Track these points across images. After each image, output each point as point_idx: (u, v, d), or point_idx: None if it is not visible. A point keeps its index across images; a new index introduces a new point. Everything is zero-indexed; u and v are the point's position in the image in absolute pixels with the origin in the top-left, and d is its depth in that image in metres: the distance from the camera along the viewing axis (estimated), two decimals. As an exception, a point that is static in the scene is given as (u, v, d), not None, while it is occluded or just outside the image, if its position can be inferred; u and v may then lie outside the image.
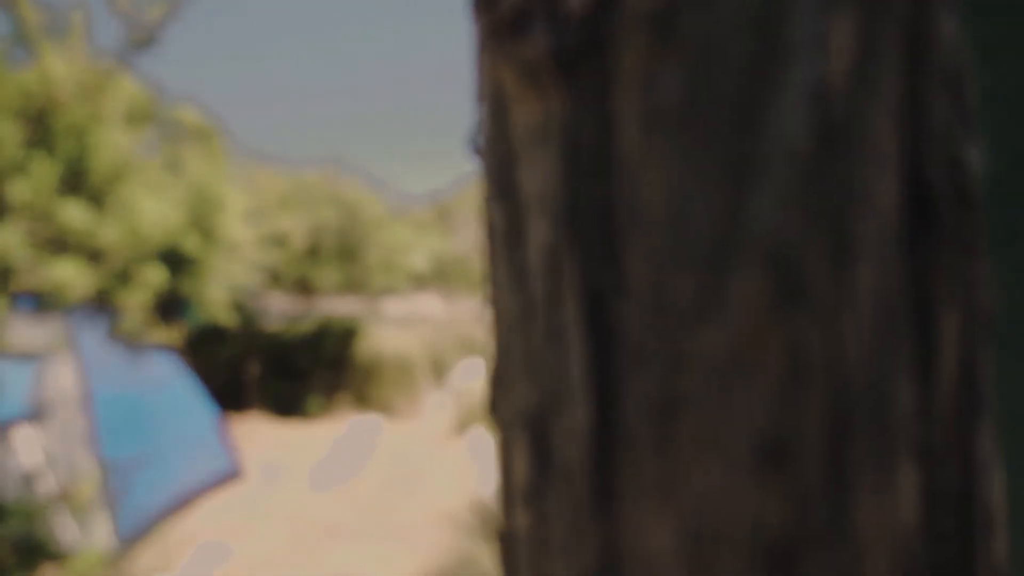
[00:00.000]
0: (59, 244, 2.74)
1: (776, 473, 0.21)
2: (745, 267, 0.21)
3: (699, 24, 0.21)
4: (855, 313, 0.21)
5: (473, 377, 12.56)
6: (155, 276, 3.82)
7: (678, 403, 0.22)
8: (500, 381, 0.28)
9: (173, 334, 3.22)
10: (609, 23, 0.23)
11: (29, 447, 5.21)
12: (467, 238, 13.24)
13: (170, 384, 6.66)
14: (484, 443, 8.93)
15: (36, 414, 5.34)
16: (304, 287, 9.31)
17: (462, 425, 9.84)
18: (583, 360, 0.23)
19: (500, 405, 0.28)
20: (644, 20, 0.22)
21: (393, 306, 11.99)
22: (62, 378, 5.55)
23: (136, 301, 3.40)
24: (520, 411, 0.26)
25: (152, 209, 3.55)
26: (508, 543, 0.27)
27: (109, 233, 2.93)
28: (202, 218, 5.69)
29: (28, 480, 4.92)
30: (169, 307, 6.21)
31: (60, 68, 2.69)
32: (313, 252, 8.98)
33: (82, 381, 5.53)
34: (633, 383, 0.23)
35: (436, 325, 13.15)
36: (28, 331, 4.82)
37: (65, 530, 4.91)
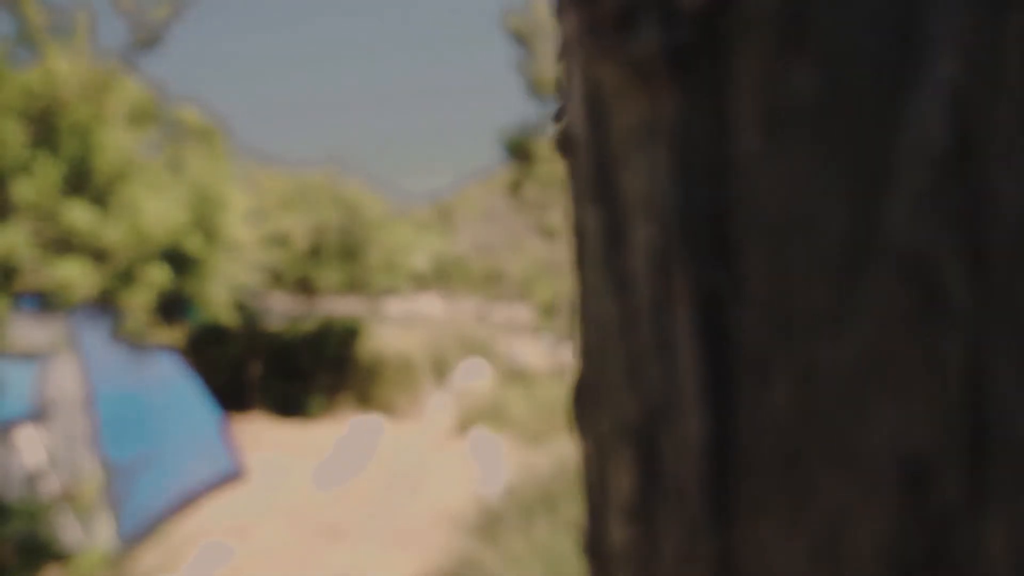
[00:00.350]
0: (63, 244, 2.72)
1: (915, 493, 0.20)
2: (880, 275, 0.20)
3: (832, 20, 0.20)
4: (993, 323, 0.20)
5: (474, 377, 12.56)
6: (158, 276, 3.81)
7: (807, 417, 0.21)
8: (591, 392, 0.27)
9: (175, 334, 3.22)
10: (727, 20, 0.22)
11: (32, 447, 5.20)
12: (467, 238, 13.23)
13: (172, 384, 6.65)
14: (485, 443, 8.93)
15: (38, 414, 5.33)
16: (306, 287, 9.30)
17: (463, 425, 9.82)
18: (697, 370, 0.22)
19: (591, 417, 0.27)
20: (771, 16, 0.21)
21: (394, 306, 11.99)
22: (64, 378, 5.55)
23: (139, 301, 3.39)
24: (621, 424, 0.25)
25: (155, 209, 3.54)
26: (601, 561, 0.26)
27: (113, 233, 2.92)
28: (204, 218, 5.68)
29: (31, 480, 4.91)
30: (171, 307, 6.20)
31: (64, 68, 2.68)
32: (315, 252, 8.97)
33: (84, 381, 5.53)
34: (753, 394, 0.22)
35: (437, 325, 13.15)
36: (30, 331, 4.81)
37: (68, 530, 4.90)
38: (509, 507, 4.97)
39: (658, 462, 0.24)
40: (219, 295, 6.96)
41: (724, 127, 0.22)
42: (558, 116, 0.30)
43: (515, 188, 6.28)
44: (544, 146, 6.40)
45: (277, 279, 8.85)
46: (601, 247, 0.26)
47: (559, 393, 10.07)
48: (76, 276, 2.56)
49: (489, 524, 5.06)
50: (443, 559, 5.57)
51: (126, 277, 3.32)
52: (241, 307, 8.61)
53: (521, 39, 5.79)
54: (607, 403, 0.26)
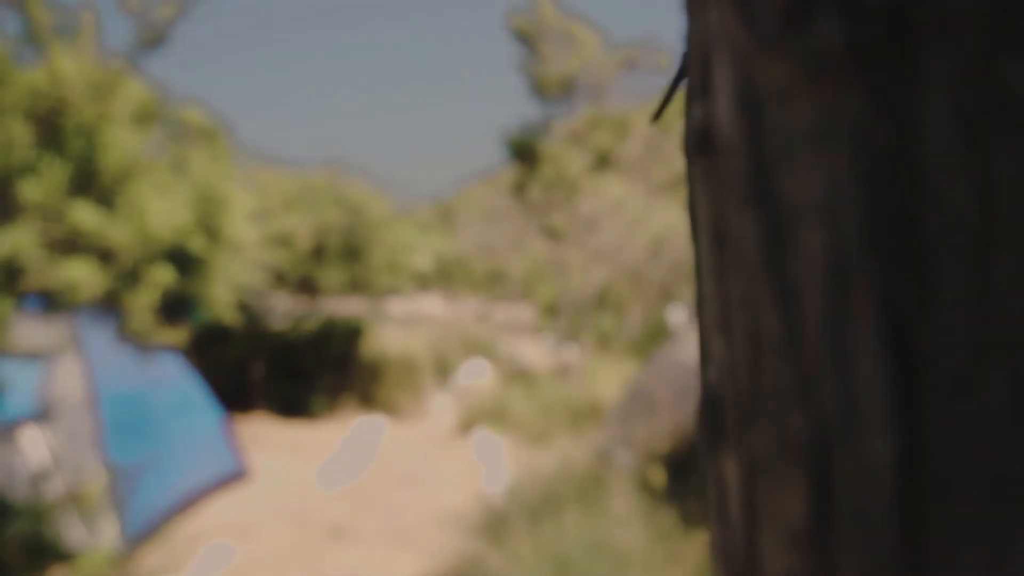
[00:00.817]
0: (69, 244, 2.71)
1: None
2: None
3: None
4: None
5: (476, 377, 12.55)
6: (163, 276, 3.80)
7: (1018, 441, 0.19)
8: (739, 409, 0.25)
9: (179, 334, 3.20)
10: (920, 13, 0.20)
11: (36, 447, 5.19)
12: (469, 238, 13.21)
13: (176, 384, 6.64)
14: (488, 443, 8.91)
15: (43, 414, 5.32)
16: (308, 287, 9.28)
17: (466, 425, 9.80)
18: (883, 386, 0.21)
19: (737, 435, 0.25)
20: (979, 9, 0.20)
21: (397, 306, 11.97)
22: (68, 378, 5.53)
23: (143, 301, 3.37)
24: (786, 442, 0.23)
25: (160, 209, 3.53)
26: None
27: (118, 233, 2.90)
28: (207, 218, 5.66)
29: (35, 480, 4.90)
30: (174, 307, 6.19)
31: (70, 68, 2.66)
32: (317, 252, 8.95)
33: (88, 381, 5.51)
34: (949, 414, 0.20)
35: (439, 325, 13.13)
36: (35, 331, 4.79)
37: (72, 530, 4.89)
38: (513, 507, 4.96)
39: (833, 484, 0.22)
40: (222, 295, 6.94)
41: (913, 128, 0.21)
42: (688, 118, 0.29)
43: (519, 189, 6.25)
44: (548, 147, 6.36)
45: (280, 279, 8.83)
46: (758, 255, 0.24)
47: (561, 393, 10.06)
48: (82, 276, 2.54)
49: (494, 524, 5.05)
50: (447, 559, 5.55)
51: (131, 277, 3.30)
52: (244, 307, 8.59)
53: (526, 39, 5.77)
54: (765, 420, 0.24)
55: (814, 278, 0.23)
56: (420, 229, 11.42)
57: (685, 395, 6.56)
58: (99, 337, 5.60)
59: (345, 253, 9.10)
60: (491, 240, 14.31)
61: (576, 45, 5.48)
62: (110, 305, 3.41)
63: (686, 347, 7.92)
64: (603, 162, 5.55)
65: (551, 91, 5.79)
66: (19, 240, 2.28)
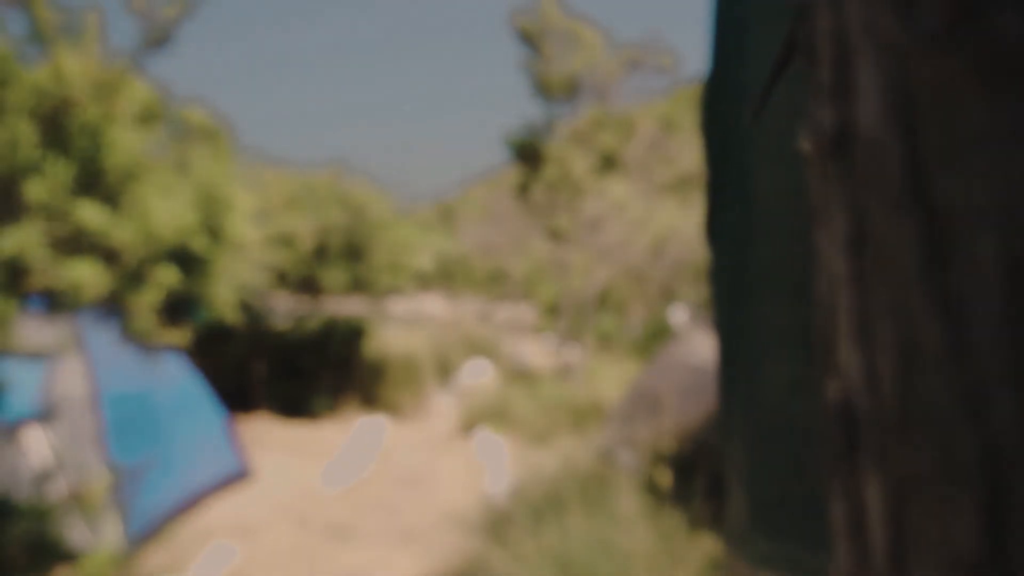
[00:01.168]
0: (74, 244, 2.69)
1: None
2: None
3: None
4: None
5: (478, 377, 12.53)
6: (167, 276, 3.80)
7: None
8: (894, 426, 0.24)
9: (182, 335, 3.19)
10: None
11: (38, 447, 5.17)
12: (470, 239, 13.21)
13: (178, 384, 6.62)
14: (490, 443, 8.89)
15: (45, 414, 5.30)
16: (310, 287, 9.26)
17: (468, 425, 9.79)
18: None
19: (894, 454, 0.24)
20: None
21: (398, 306, 11.96)
22: (71, 378, 5.52)
23: (147, 301, 3.36)
24: (951, 464, 0.22)
25: (164, 209, 3.51)
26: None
27: (123, 233, 2.89)
28: (210, 218, 5.65)
29: (38, 480, 4.88)
30: (177, 307, 6.17)
31: (75, 67, 2.65)
32: (319, 252, 8.93)
33: (91, 381, 5.50)
34: None
35: (441, 325, 13.12)
36: (37, 331, 4.77)
37: (75, 530, 4.87)
38: (517, 507, 4.94)
39: (1008, 509, 0.21)
40: (224, 295, 6.92)
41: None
42: (814, 119, 0.27)
43: (522, 190, 6.23)
44: (552, 147, 6.33)
45: (282, 279, 8.81)
46: (913, 261, 0.23)
47: (563, 393, 10.04)
48: (87, 276, 2.53)
49: (497, 524, 5.03)
50: (451, 559, 5.54)
51: (135, 277, 3.29)
52: (246, 307, 8.57)
53: (530, 39, 5.75)
54: (919, 438, 0.23)
55: (985, 286, 0.21)
56: (422, 229, 11.41)
57: (688, 395, 6.55)
58: (102, 337, 5.58)
59: (347, 253, 9.08)
60: (492, 240, 14.28)
61: (580, 45, 5.46)
62: (114, 305, 3.40)
63: (689, 347, 7.91)
64: (607, 163, 5.53)
65: (555, 91, 5.76)
66: (25, 239, 2.26)
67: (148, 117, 4.70)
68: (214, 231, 5.92)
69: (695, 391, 6.81)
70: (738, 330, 0.74)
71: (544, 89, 5.84)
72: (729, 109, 0.74)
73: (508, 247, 15.02)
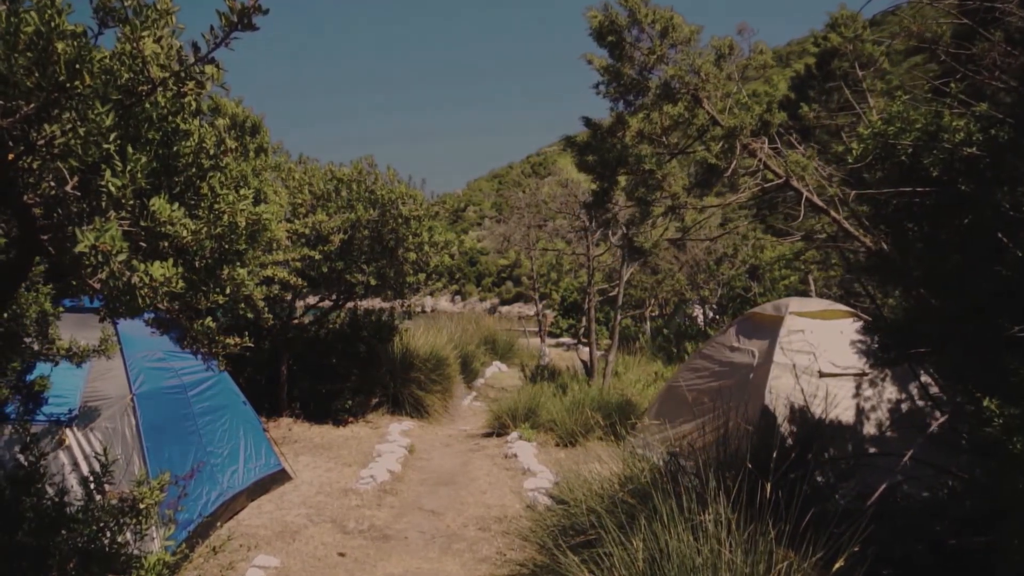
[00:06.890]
0: (151, 241, 2.51)
1: None
2: None
3: None
4: None
5: (504, 377, 12.34)
6: (239, 276, 3.62)
7: None
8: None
9: (240, 340, 3.01)
10: None
11: (79, 449, 5.01)
12: (488, 235, 13.02)
13: (216, 387, 6.46)
14: (520, 444, 8.70)
15: (86, 416, 5.14)
16: (339, 284, 9.06)
17: (498, 425, 9.63)
18: None
19: None
20: None
21: (425, 303, 11.79)
22: (111, 380, 5.37)
23: (217, 302, 3.18)
24: None
25: (240, 204, 3.34)
26: None
27: (199, 229, 2.72)
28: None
29: (85, 485, 4.70)
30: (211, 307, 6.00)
31: (153, 49, 2.45)
32: (347, 248, 8.73)
33: (130, 383, 5.36)
34: None
35: (464, 322, 12.92)
36: (79, 333, 4.59)
37: (123, 537, 4.70)
38: (572, 514, 4.76)
39: None
40: (255, 292, 6.75)
41: None
42: None
43: (601, 197, 5.80)
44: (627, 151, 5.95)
45: (310, 276, 8.61)
46: None
47: (589, 393, 9.87)
48: (164, 275, 2.34)
49: (551, 531, 4.84)
50: (506, 567, 5.37)
51: (209, 276, 3.11)
52: (275, 303, 8.38)
53: (611, 34, 5.25)
54: None
55: None
56: (447, 225, 11.22)
57: (724, 396, 6.35)
58: (141, 339, 5.40)
59: (375, 249, 8.89)
60: (511, 238, 14.06)
61: (676, 39, 5.08)
62: (182, 306, 3.22)
63: (725, 348, 7.74)
64: (708, 171, 5.22)
65: (635, 89, 5.28)
66: (105, 234, 2.08)
67: (215, 109, 4.52)
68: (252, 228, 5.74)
69: (731, 391, 6.63)
70: None
71: (623, 89, 5.32)
72: None
73: (521, 244, 14.81)
